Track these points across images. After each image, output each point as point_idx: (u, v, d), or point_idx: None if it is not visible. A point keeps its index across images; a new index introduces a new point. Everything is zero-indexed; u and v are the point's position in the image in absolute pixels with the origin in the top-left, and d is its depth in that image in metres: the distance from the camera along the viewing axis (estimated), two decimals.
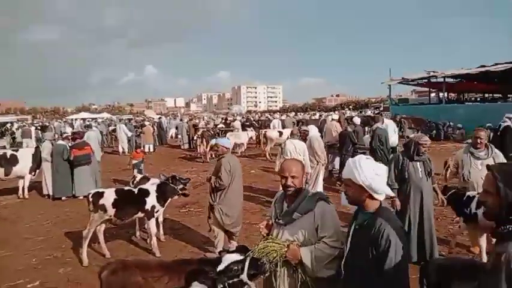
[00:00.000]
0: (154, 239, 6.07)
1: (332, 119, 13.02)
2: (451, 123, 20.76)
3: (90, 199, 5.78)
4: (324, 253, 2.57)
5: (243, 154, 17.37)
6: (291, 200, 2.81)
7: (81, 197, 10.01)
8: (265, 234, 2.89)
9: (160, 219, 6.67)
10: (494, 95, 28.81)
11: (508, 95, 25.80)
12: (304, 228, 2.69)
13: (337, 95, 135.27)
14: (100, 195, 5.81)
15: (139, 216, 6.09)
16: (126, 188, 6.41)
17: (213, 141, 16.50)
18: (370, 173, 2.28)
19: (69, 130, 20.08)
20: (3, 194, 10.94)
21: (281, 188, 2.98)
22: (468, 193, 5.18)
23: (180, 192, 6.30)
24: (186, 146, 21.17)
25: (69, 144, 10.52)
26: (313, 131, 8.70)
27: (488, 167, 1.86)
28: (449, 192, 5.40)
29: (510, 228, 1.68)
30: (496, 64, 21.38)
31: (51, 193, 10.33)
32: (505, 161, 5.33)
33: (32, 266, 5.90)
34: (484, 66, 21.91)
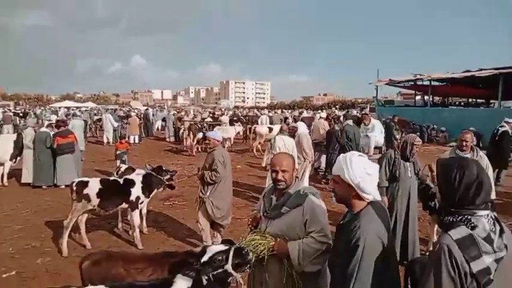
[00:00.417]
0: (137, 230, 5.99)
1: (320, 117, 13.05)
2: (434, 126, 21.09)
3: (74, 188, 5.65)
4: (311, 248, 2.56)
5: (229, 149, 17.29)
6: (280, 194, 2.80)
7: (63, 186, 9.81)
8: (252, 228, 2.87)
9: (144, 211, 6.57)
10: (478, 100, 29.44)
11: (491, 101, 26.41)
12: (293, 223, 2.68)
13: (325, 94, 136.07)
14: (84, 184, 5.67)
15: (123, 207, 5.99)
16: (112, 178, 6.29)
17: (199, 135, 16.42)
18: (360, 171, 2.16)
19: (53, 118, 19.55)
20: None
21: (270, 182, 2.95)
22: (433, 188, 5.25)
23: (166, 183, 6.22)
24: (172, 139, 20.96)
25: (53, 132, 10.28)
26: (301, 128, 8.72)
27: (438, 160, 2.00)
28: (421, 187, 5.43)
29: (449, 220, 1.76)
30: (481, 70, 21.79)
31: (31, 181, 10.07)
32: (489, 165, 5.43)
33: (8, 255, 5.73)
34: (469, 71, 22.30)
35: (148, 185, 5.98)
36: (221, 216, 5.66)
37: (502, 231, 1.72)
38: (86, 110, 31.94)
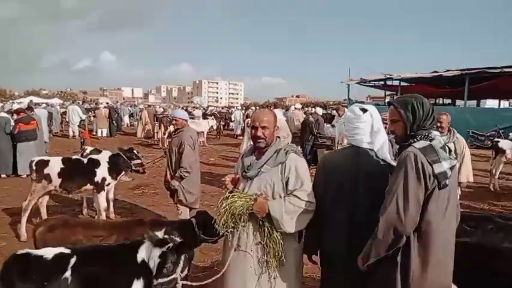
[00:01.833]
0: (103, 214, 5.63)
1: (295, 108, 13.02)
2: None
3: (34, 167, 5.25)
4: (294, 206, 2.42)
5: (203, 144, 16.96)
6: (260, 153, 2.64)
7: (24, 176, 9.25)
8: (230, 189, 2.68)
9: (111, 196, 6.22)
10: (445, 100, 30.45)
11: (457, 100, 27.39)
12: (273, 181, 2.53)
13: (297, 96, 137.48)
14: (45, 163, 5.29)
15: (87, 189, 5.61)
16: (74, 156, 5.91)
17: (171, 128, 16.01)
18: None
19: (15, 106, 18.46)
20: None
21: (245, 147, 2.79)
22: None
23: (135, 168, 5.90)
24: (142, 135, 20.36)
25: (14, 118, 9.66)
26: (279, 114, 8.62)
27: (388, 102, 2.28)
28: None
29: (408, 142, 2.09)
30: (448, 70, 22.57)
31: None
32: (466, 146, 5.42)
33: None
34: (436, 71, 23.06)
35: (115, 166, 5.65)
36: (194, 201, 5.41)
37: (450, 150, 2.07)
38: (51, 106, 30.54)
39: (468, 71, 21.09)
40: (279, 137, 2.73)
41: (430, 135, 2.05)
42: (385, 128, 5.35)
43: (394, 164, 2.41)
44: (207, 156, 14.00)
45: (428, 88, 24.47)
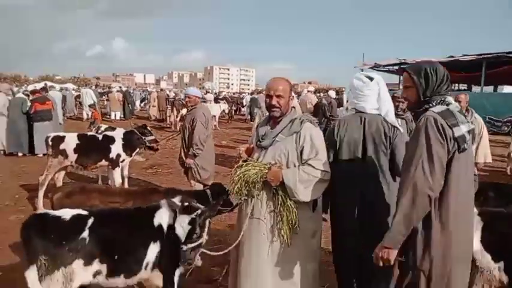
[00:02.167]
0: None
1: (308, 91, 12.88)
2: None
3: (50, 143, 5.33)
4: (308, 175, 2.41)
5: (214, 128, 16.98)
6: (275, 123, 2.62)
7: (41, 155, 9.42)
8: (244, 158, 2.67)
9: (126, 173, 6.28)
10: (461, 85, 29.77)
11: (473, 85, 26.75)
12: (288, 151, 2.51)
13: (309, 82, 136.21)
14: (61, 139, 5.36)
15: (102, 165, 5.68)
16: (90, 133, 5.97)
17: (183, 111, 16.04)
18: None
19: (30, 88, 18.68)
20: None
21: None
22: None
23: (149, 144, 5.94)
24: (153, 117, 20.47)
25: (29, 99, 9.80)
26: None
27: (403, 69, 2.21)
28: None
29: (423, 108, 2.06)
30: (465, 55, 22.00)
31: (4, 148, 9.60)
32: (484, 126, 5.30)
33: None
34: (452, 56, 22.50)
35: (129, 143, 5.69)
36: (207, 177, 5.43)
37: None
38: (66, 90, 30.83)
39: (485, 56, 20.51)
40: (294, 107, 2.70)
41: (446, 100, 2.04)
42: (405, 110, 5.26)
43: (401, 129, 2.71)
44: (219, 139, 14.04)
45: None
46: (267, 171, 2.44)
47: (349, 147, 2.72)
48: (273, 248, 2.48)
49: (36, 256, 2.11)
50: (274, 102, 2.52)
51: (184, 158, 5.18)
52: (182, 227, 2.29)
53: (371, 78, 2.76)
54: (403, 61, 24.84)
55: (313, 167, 2.42)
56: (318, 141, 2.49)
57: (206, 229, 2.45)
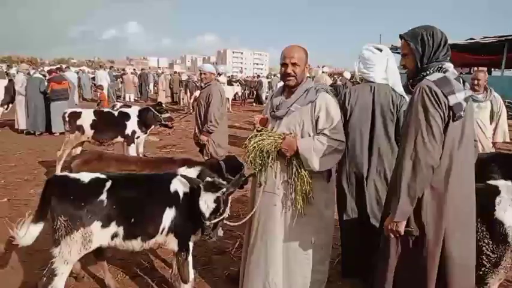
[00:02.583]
0: None
1: (322, 72, 12.71)
2: None
3: (67, 118, 5.41)
4: (323, 145, 2.37)
5: (227, 111, 16.97)
6: (290, 92, 2.58)
7: (58, 134, 9.59)
8: (259, 128, 2.62)
9: (141, 149, 6.36)
10: (480, 68, 28.97)
11: (493, 69, 25.98)
12: (302, 120, 2.47)
13: (323, 66, 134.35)
14: (77, 115, 5.43)
15: (118, 141, 5.74)
16: (106, 109, 6.04)
17: (196, 93, 16.05)
18: None
19: (46, 69, 18.93)
20: None
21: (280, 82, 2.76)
22: None
23: (164, 121, 5.96)
24: (169, 100, 20.55)
25: (46, 78, 9.92)
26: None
27: (400, 36, 2.12)
28: None
29: (421, 75, 2.03)
30: (485, 37, 21.32)
31: (24, 127, 9.79)
32: (503, 106, 5.15)
33: (0, 186, 5.56)
34: (473, 38, 21.84)
35: (144, 120, 5.73)
36: (223, 154, 5.42)
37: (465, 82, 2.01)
38: (82, 72, 31.10)
39: (507, 37, 19.84)
40: (309, 77, 2.66)
41: (443, 66, 2.00)
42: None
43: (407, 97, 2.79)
44: (232, 121, 14.02)
45: (463, 55, 23.28)
46: (281, 141, 2.41)
47: (360, 113, 2.93)
48: (286, 218, 2.48)
49: (56, 216, 2.15)
50: (289, 70, 2.47)
51: (198, 136, 5.18)
52: (207, 204, 2.29)
53: (380, 50, 2.89)
54: None
55: (329, 136, 2.38)
56: (334, 111, 2.44)
57: (228, 204, 2.46)
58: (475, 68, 29.11)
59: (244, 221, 2.63)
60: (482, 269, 2.16)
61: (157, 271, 3.32)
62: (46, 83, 9.71)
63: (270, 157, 2.45)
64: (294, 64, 2.46)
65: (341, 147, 2.43)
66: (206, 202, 2.28)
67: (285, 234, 2.49)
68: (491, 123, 4.92)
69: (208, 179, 2.46)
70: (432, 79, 1.94)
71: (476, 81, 5.08)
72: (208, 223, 2.26)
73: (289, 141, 2.39)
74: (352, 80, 16.31)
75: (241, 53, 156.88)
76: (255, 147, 2.45)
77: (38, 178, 6.00)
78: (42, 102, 9.75)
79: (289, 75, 2.47)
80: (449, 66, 2.02)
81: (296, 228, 2.48)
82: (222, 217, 2.36)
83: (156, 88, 26.32)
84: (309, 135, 2.45)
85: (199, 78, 5.18)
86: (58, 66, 14.09)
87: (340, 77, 11.57)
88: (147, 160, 3.15)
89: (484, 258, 2.15)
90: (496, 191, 2.20)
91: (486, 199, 2.18)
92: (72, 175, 2.27)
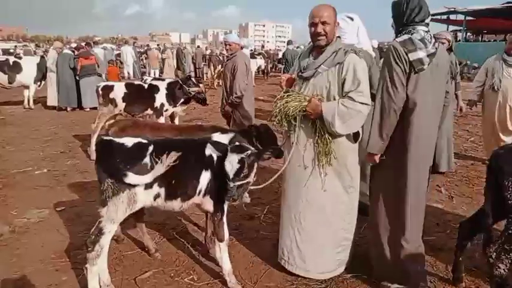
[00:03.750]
0: None
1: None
2: (468, 62, 19.92)
3: (100, 92, 5.57)
4: (347, 109, 2.40)
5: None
6: (318, 53, 2.57)
7: (88, 109, 9.89)
8: (285, 89, 2.67)
9: (177, 122, 6.46)
10: None
11: None
12: (329, 83, 2.49)
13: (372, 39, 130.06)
14: (110, 88, 5.58)
15: (148, 113, 5.87)
16: (136, 82, 6.16)
17: (219, 67, 16.04)
18: None
19: (73, 45, 19.23)
20: (9, 104, 10.77)
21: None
22: None
23: (193, 94, 5.98)
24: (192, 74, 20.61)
25: (75, 54, 10.14)
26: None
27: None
28: None
29: (398, 36, 2.45)
30: None
31: (56, 104, 10.13)
32: None
33: (39, 158, 5.86)
34: (510, 2, 20.57)
35: (172, 93, 5.80)
36: (249, 124, 5.44)
37: (436, 42, 2.42)
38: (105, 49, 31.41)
39: None
40: (339, 37, 2.62)
41: (413, 30, 2.40)
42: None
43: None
44: (256, 95, 13.94)
45: (498, 22, 22.09)
46: (306, 103, 2.45)
47: None
48: (312, 177, 2.56)
49: (103, 178, 2.28)
50: (319, 29, 2.45)
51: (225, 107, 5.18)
52: (232, 164, 2.35)
53: (352, 19, 3.26)
54: (452, 9, 23.07)
55: (353, 99, 2.40)
56: (361, 73, 2.44)
57: (254, 170, 2.52)
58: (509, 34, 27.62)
59: (271, 181, 2.70)
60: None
61: (191, 234, 3.49)
62: (74, 60, 9.91)
63: (296, 119, 2.51)
64: (324, 23, 2.45)
65: (365, 111, 2.44)
66: (231, 163, 2.35)
67: (310, 194, 2.58)
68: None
69: (237, 143, 2.53)
70: (399, 40, 2.39)
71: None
72: (232, 184, 2.33)
73: (314, 104, 2.43)
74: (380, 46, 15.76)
75: (263, 26, 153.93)
76: (281, 109, 2.52)
77: (74, 151, 6.27)
78: (73, 78, 10.00)
79: (320, 35, 2.46)
80: (419, 29, 2.40)
81: (319, 187, 2.56)
82: (246, 180, 2.41)
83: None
84: (334, 99, 2.47)
85: (226, 49, 5.10)
86: (88, 41, 14.26)
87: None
88: (178, 127, 3.28)
89: None
90: None
91: None
92: (117, 139, 2.38)
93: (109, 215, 2.30)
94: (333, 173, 2.56)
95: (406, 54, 2.32)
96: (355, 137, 2.59)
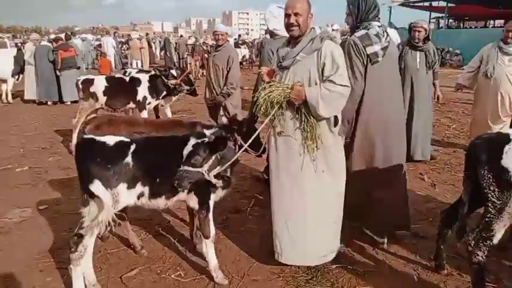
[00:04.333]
0: None
1: (332, 30, 12.30)
2: (449, 49, 20.17)
3: (80, 86, 5.44)
4: (329, 91, 2.46)
5: None
6: (295, 43, 2.64)
7: (69, 103, 9.68)
8: (267, 80, 2.70)
9: (169, 114, 6.40)
10: (497, 21, 27.78)
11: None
12: (309, 69, 2.55)
13: (333, 25, 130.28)
14: (90, 81, 5.46)
15: (131, 107, 5.77)
16: (117, 75, 6.04)
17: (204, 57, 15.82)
18: None
19: (51, 36, 18.71)
20: None
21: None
22: None
23: (173, 85, 5.88)
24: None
25: (53, 47, 9.86)
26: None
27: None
28: None
29: (356, 31, 2.84)
30: None
31: (35, 97, 9.87)
32: None
33: (20, 155, 5.74)
34: None
35: (155, 86, 5.70)
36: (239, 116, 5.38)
37: (388, 36, 2.83)
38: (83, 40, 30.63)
39: None
40: (314, 28, 2.69)
41: (369, 25, 2.77)
42: (425, 41, 5.02)
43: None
44: (241, 85, 13.92)
45: (479, 8, 22.39)
46: (289, 90, 2.50)
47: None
48: (304, 162, 2.60)
49: (85, 177, 2.24)
50: (292, 20, 2.53)
51: (211, 97, 4.92)
52: (187, 149, 2.40)
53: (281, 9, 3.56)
54: None
55: (334, 82, 2.47)
56: (339, 58, 2.52)
57: (210, 163, 2.43)
58: (491, 21, 28.00)
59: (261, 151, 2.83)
60: (488, 216, 2.26)
61: (177, 230, 3.48)
62: (53, 52, 9.65)
63: (282, 106, 2.54)
64: (296, 14, 2.52)
65: (346, 92, 2.52)
66: (187, 147, 2.38)
67: (301, 176, 2.61)
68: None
69: (205, 131, 2.57)
70: (357, 35, 2.75)
71: (511, 34, 4.84)
72: (181, 167, 2.29)
73: (297, 90, 2.48)
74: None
75: (247, 14, 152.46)
76: (265, 98, 2.54)
77: (55, 146, 6.16)
78: (52, 71, 9.74)
79: (293, 25, 2.54)
80: (374, 25, 2.79)
81: (311, 170, 2.60)
82: (196, 169, 2.33)
83: (163, 54, 26.01)
84: (316, 83, 2.53)
85: (216, 39, 4.96)
86: (66, 33, 13.87)
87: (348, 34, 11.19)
88: (155, 122, 3.23)
89: (490, 205, 2.24)
90: (506, 140, 2.22)
91: (495, 147, 2.24)
92: (99, 138, 2.33)
93: (91, 215, 2.27)
94: (321, 158, 2.61)
95: (364, 48, 2.71)
96: (335, 122, 2.65)
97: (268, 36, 4.95)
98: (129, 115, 5.46)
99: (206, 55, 15.32)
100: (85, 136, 2.44)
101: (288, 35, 2.73)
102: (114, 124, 3.13)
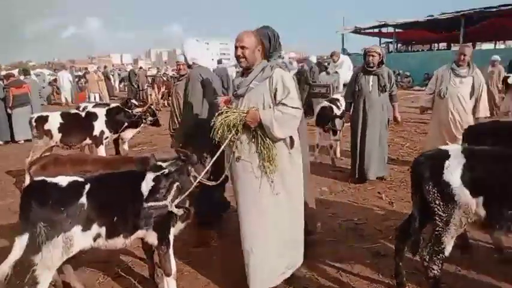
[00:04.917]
0: None
1: (289, 58, 12.77)
2: (400, 72, 21.39)
3: (34, 123, 5.26)
4: (282, 113, 2.59)
5: None
6: (247, 73, 2.79)
7: (22, 141, 9.26)
8: (223, 108, 2.79)
9: (126, 148, 6.26)
10: (440, 44, 29.90)
11: (452, 44, 26.92)
12: (263, 94, 2.69)
13: (291, 53, 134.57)
14: (44, 119, 5.29)
15: (88, 143, 5.63)
16: (73, 111, 5.89)
17: (163, 89, 15.81)
18: None
19: (3, 73, 18.03)
20: None
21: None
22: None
23: (139, 115, 5.81)
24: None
25: (4, 84, 9.50)
26: None
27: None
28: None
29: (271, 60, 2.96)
30: (443, 13, 22.02)
31: None
32: (483, 82, 5.21)
33: None
34: (432, 15, 22.52)
35: (113, 119, 5.61)
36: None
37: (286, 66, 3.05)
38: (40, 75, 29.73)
39: (464, 12, 20.60)
40: (264, 59, 2.83)
41: (280, 55, 3.12)
42: (379, 65, 5.33)
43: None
44: None
45: (424, 33, 24.00)
46: (245, 114, 2.61)
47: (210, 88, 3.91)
48: (262, 184, 2.67)
49: (35, 223, 2.13)
50: (239, 52, 2.70)
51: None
52: (147, 183, 2.40)
53: (197, 40, 4.20)
54: (383, 23, 24.77)
55: (286, 105, 2.61)
56: (289, 82, 2.68)
57: (172, 193, 2.48)
58: (435, 45, 30.08)
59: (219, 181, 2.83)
60: (437, 229, 2.39)
61: (136, 271, 3.34)
62: (4, 90, 9.28)
63: (238, 129, 2.63)
64: (242, 47, 2.68)
65: (298, 114, 2.67)
66: (147, 181, 2.37)
67: (261, 198, 2.68)
68: (470, 99, 5.09)
69: (159, 164, 2.58)
70: (276, 63, 2.85)
71: (462, 57, 5.10)
72: (145, 205, 2.31)
73: (253, 113, 2.60)
74: (318, 64, 16.48)
75: (207, 44, 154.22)
76: (222, 123, 2.63)
77: (7, 188, 5.82)
78: (3, 109, 9.35)
79: (240, 57, 2.71)
80: (282, 54, 3.19)
81: (269, 191, 2.68)
82: (162, 203, 2.36)
83: (122, 86, 25.63)
84: (270, 107, 2.66)
85: (177, 69, 4.98)
86: (24, 69, 13.39)
87: (307, 61, 11.66)
88: (102, 160, 3.18)
89: (437, 218, 2.37)
90: (446, 156, 2.38)
91: (437, 163, 2.40)
92: (50, 179, 2.25)
93: (44, 262, 2.15)
94: (278, 179, 2.70)
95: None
96: (291, 143, 2.76)
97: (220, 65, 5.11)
98: (76, 153, 5.30)
99: (165, 86, 15.32)
100: (36, 179, 2.35)
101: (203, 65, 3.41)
102: (60, 163, 3.05)
